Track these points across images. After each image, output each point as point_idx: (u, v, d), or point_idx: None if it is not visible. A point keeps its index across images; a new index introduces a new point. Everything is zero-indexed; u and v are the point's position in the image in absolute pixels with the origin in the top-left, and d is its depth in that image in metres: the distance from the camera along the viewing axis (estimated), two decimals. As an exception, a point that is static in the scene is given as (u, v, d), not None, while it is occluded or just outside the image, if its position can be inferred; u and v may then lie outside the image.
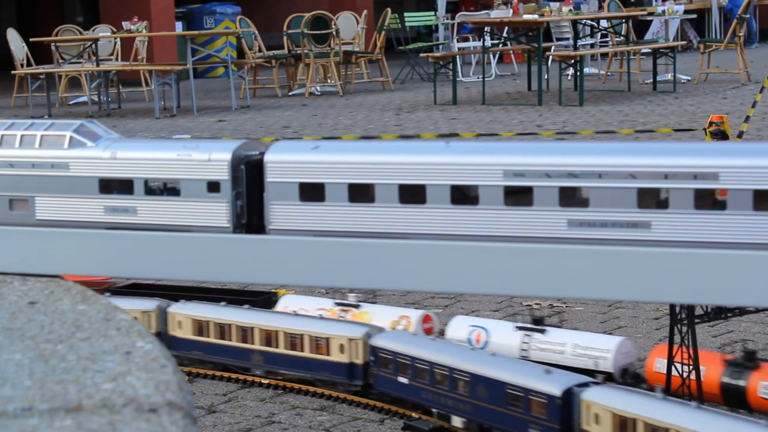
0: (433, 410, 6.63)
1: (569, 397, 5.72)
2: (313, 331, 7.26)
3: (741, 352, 6.38)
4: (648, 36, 26.93)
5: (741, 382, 6.16)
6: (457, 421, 6.51)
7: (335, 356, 7.14)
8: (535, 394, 5.87)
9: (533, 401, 5.85)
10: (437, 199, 3.37)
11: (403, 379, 6.67)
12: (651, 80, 21.69)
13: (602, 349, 6.79)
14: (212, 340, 7.58)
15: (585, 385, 5.79)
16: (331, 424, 6.74)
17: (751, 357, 6.23)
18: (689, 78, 22.48)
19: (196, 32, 23.81)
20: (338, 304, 7.87)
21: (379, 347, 6.89)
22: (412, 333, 7.32)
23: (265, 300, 8.21)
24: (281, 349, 7.36)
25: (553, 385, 5.81)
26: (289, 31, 23.12)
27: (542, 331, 7.06)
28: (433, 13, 26.92)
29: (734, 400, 6.17)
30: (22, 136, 3.80)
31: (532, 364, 6.48)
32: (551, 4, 21.62)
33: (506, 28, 23.56)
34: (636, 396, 5.69)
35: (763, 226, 3.03)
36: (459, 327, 7.37)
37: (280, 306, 8.00)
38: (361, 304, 7.85)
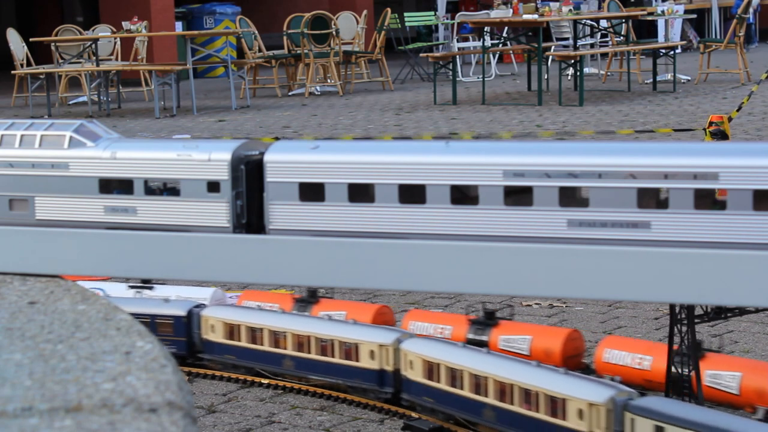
0: None
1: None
2: (344, 337, 7.07)
3: (482, 311, 7.26)
4: (661, 39, 26.83)
5: (484, 337, 7.12)
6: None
7: (365, 362, 6.96)
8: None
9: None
10: (437, 199, 3.37)
11: None
12: (651, 80, 21.69)
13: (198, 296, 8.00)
14: (244, 344, 7.47)
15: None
16: (331, 424, 6.74)
17: (491, 316, 7.20)
18: (689, 78, 22.48)
19: (196, 32, 23.80)
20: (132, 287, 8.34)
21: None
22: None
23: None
24: (312, 355, 7.19)
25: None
26: (289, 31, 23.12)
27: (150, 288, 8.19)
28: (433, 13, 26.91)
29: None
30: (22, 136, 3.80)
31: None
32: (551, 4, 21.62)
33: (506, 28, 23.55)
34: (440, 344, 6.66)
35: (763, 226, 3.03)
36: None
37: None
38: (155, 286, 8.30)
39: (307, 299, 7.93)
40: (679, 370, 5.76)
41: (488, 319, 7.18)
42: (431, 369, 6.52)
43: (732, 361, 6.55)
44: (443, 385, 6.43)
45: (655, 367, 6.39)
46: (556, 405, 5.87)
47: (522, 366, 6.23)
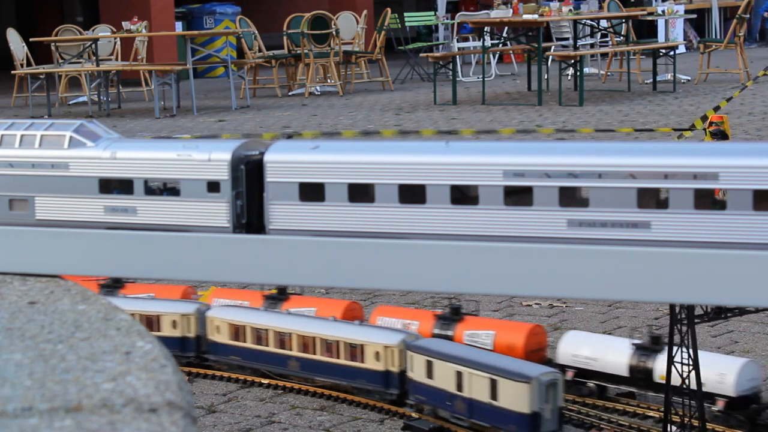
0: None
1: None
2: (349, 338, 7.11)
3: (449, 307, 7.56)
4: (661, 39, 26.79)
5: (449, 332, 7.35)
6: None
7: (370, 364, 6.99)
8: None
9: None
10: (437, 199, 3.37)
11: None
12: (651, 80, 21.69)
13: None
14: (249, 345, 7.50)
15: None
16: (331, 424, 6.74)
17: (456, 311, 7.47)
18: (689, 78, 22.48)
19: (196, 32, 23.80)
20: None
21: None
22: None
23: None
24: (318, 356, 7.22)
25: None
26: (289, 31, 23.12)
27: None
28: (433, 13, 26.91)
29: None
30: (22, 136, 3.80)
31: None
32: (551, 4, 21.61)
33: (506, 28, 23.55)
34: (244, 310, 7.72)
35: (763, 226, 3.03)
36: None
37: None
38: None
39: (277, 296, 7.97)
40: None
41: (454, 315, 7.38)
42: (237, 331, 7.55)
43: (487, 322, 7.50)
44: (249, 344, 7.46)
45: (420, 330, 7.40)
46: (355, 351, 7.06)
47: (321, 322, 7.41)
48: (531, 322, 8.27)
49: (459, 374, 6.51)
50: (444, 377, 6.57)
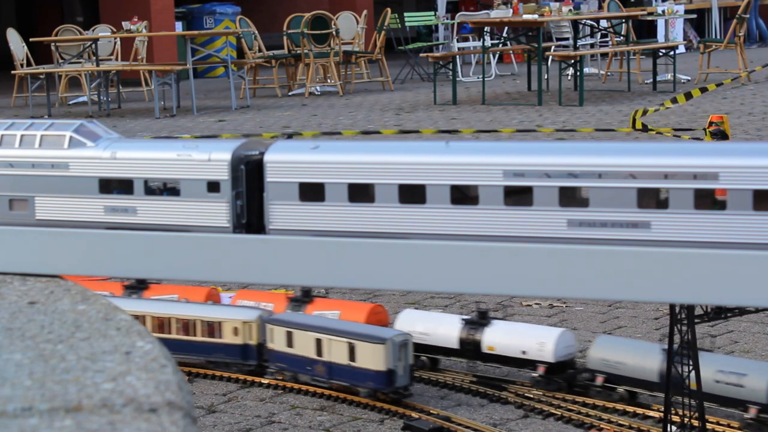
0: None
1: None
2: (207, 316, 7.64)
3: (300, 291, 8.13)
4: (661, 39, 26.78)
5: (300, 312, 7.93)
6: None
7: (229, 339, 7.56)
8: None
9: None
10: (437, 199, 3.37)
11: None
12: (651, 80, 21.69)
13: None
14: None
15: None
16: (331, 424, 6.74)
17: (307, 294, 8.10)
18: (689, 78, 22.48)
19: (196, 32, 23.80)
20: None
21: None
22: None
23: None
24: (174, 335, 7.68)
25: None
26: (289, 31, 23.12)
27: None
28: (433, 13, 26.91)
29: None
30: (22, 136, 3.80)
31: None
32: (551, 4, 21.61)
33: (506, 28, 23.55)
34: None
35: (763, 226, 3.03)
36: None
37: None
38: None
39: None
40: (679, 369, 5.76)
41: (304, 297, 8.03)
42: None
43: (333, 303, 8.09)
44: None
45: (276, 311, 7.93)
46: (213, 328, 7.56)
47: (177, 304, 7.93)
48: (531, 322, 8.27)
49: (318, 341, 7.20)
50: (304, 345, 7.25)
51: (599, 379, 6.92)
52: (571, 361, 7.06)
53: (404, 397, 6.98)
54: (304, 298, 8.03)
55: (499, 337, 7.25)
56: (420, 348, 7.43)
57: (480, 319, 7.37)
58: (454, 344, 7.37)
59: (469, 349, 7.34)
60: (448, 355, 7.43)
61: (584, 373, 6.99)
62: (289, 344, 7.33)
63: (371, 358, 6.94)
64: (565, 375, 7.00)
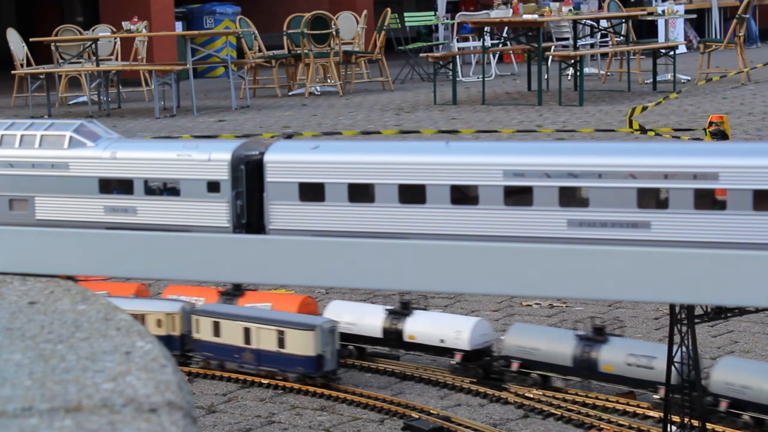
0: None
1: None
2: (131, 309, 7.70)
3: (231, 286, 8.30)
4: (661, 39, 26.78)
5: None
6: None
7: (152, 330, 7.70)
8: None
9: None
10: (437, 199, 3.37)
11: None
12: (651, 80, 21.69)
13: None
14: None
15: None
16: (331, 424, 6.74)
17: (237, 287, 8.25)
18: (689, 78, 22.48)
19: (196, 32, 23.80)
20: None
21: None
22: None
23: None
24: None
25: None
26: (289, 31, 23.12)
27: None
28: (433, 13, 26.91)
29: None
30: (22, 136, 3.80)
31: None
32: (551, 4, 21.61)
33: (506, 28, 23.55)
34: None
35: (763, 226, 3.04)
36: None
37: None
38: None
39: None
40: (683, 373, 5.76)
41: (235, 291, 8.27)
42: None
43: (264, 295, 8.32)
44: None
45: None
46: (137, 320, 7.85)
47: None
48: (530, 322, 8.27)
49: (247, 330, 7.53)
50: (232, 334, 7.56)
51: (514, 365, 7.16)
52: (487, 348, 7.38)
53: (332, 381, 7.28)
54: (234, 291, 8.26)
55: (419, 327, 7.61)
56: (347, 338, 7.78)
57: (402, 310, 7.72)
58: (378, 334, 7.71)
59: (392, 338, 7.69)
60: (373, 344, 7.78)
61: (500, 360, 7.28)
62: (216, 334, 7.66)
63: (301, 344, 7.30)
64: (481, 362, 7.29)
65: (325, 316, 7.82)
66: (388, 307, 7.81)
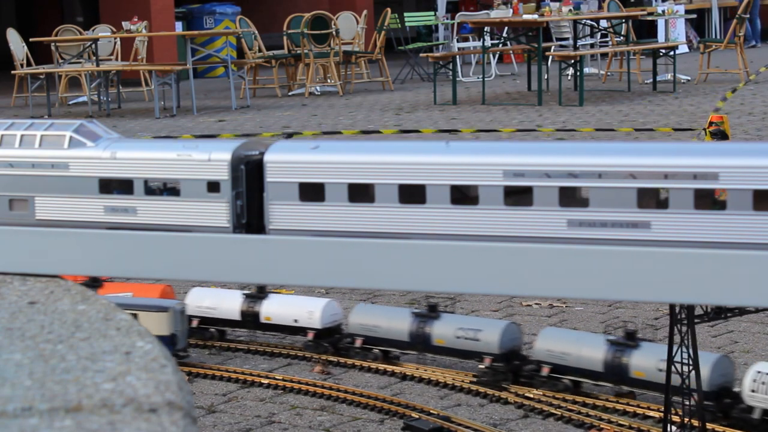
0: None
1: None
2: None
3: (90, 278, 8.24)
4: (661, 39, 26.77)
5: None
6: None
7: None
8: None
9: None
10: (437, 199, 3.37)
11: None
12: (651, 80, 21.69)
13: None
14: None
15: None
16: (331, 424, 6.74)
17: (95, 280, 8.10)
18: (689, 78, 22.47)
19: (196, 32, 23.80)
20: None
21: None
22: None
23: None
24: None
25: None
26: (289, 31, 23.12)
27: None
28: (433, 13, 26.91)
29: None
30: (22, 136, 3.80)
31: None
32: (551, 4, 21.61)
33: (506, 28, 23.55)
34: None
35: (763, 226, 3.04)
36: None
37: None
38: None
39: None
40: (680, 371, 5.76)
41: (93, 282, 8.26)
42: None
43: (124, 286, 8.53)
44: None
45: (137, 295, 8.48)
46: None
47: None
48: (530, 322, 8.28)
49: None
50: None
51: (358, 342, 7.76)
52: (336, 327, 8.00)
53: (183, 359, 7.75)
54: (93, 283, 8.32)
55: (274, 309, 8.17)
56: (209, 321, 8.29)
57: (258, 293, 8.24)
58: (237, 316, 8.23)
59: (249, 320, 8.21)
60: (232, 326, 8.29)
61: (347, 338, 7.88)
62: None
63: (155, 325, 7.64)
64: (331, 339, 7.90)
65: (187, 301, 8.28)
66: (245, 292, 8.30)
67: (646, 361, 6.77)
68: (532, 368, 7.14)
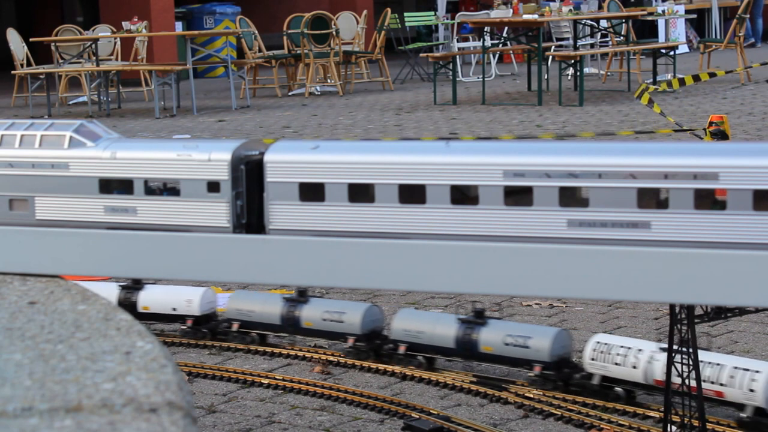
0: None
1: None
2: None
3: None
4: (662, 39, 26.78)
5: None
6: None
7: None
8: None
9: None
10: (437, 199, 3.37)
11: None
12: (651, 80, 21.69)
13: None
14: None
15: None
16: (331, 424, 6.74)
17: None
18: (689, 78, 22.45)
19: (196, 32, 23.80)
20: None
21: None
22: None
23: None
24: None
25: None
26: (289, 31, 23.12)
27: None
28: (433, 13, 26.91)
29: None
30: (22, 136, 3.80)
31: None
32: (551, 4, 21.60)
33: (506, 28, 23.54)
34: None
35: (763, 226, 3.03)
36: None
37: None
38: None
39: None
40: (679, 369, 5.76)
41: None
42: None
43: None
44: None
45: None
46: None
47: None
48: (530, 321, 8.27)
49: None
50: None
51: (234, 326, 8.03)
52: (213, 313, 8.30)
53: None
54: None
55: (152, 298, 8.39)
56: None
57: (134, 285, 8.39)
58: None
59: (126, 311, 8.33)
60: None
61: (224, 323, 8.17)
62: None
63: None
64: (209, 325, 8.21)
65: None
66: (121, 284, 8.45)
67: (494, 336, 7.16)
68: (390, 347, 7.48)
